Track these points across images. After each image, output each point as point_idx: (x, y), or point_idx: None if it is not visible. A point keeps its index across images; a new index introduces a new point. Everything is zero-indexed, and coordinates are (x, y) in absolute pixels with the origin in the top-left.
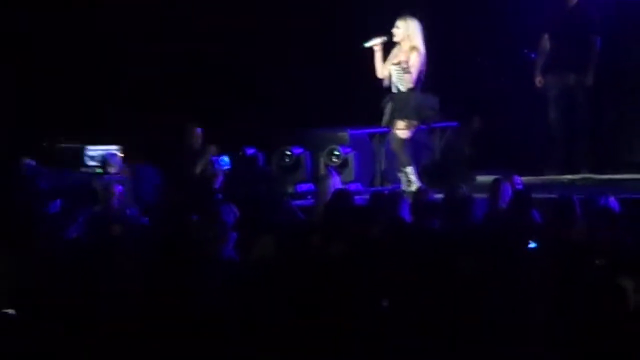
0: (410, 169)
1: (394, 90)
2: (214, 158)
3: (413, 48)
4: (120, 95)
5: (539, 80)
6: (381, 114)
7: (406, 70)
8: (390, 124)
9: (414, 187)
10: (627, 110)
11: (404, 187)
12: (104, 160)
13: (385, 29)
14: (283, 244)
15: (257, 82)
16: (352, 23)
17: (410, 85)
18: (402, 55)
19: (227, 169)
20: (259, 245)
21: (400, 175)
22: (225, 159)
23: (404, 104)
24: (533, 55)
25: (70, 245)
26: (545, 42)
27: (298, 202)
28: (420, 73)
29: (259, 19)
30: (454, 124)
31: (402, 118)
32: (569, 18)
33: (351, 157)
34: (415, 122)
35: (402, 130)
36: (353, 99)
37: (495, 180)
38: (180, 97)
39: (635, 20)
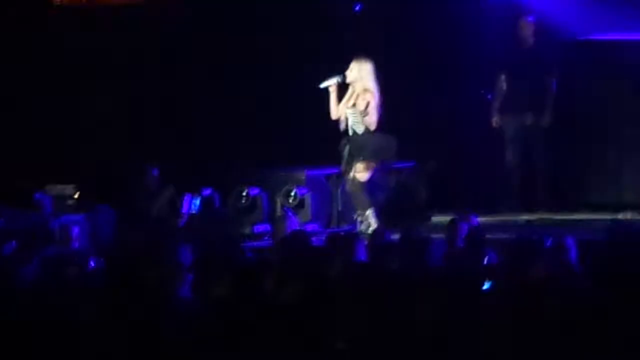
0: (370, 212)
1: (350, 132)
2: (187, 199)
3: (366, 90)
4: (76, 135)
5: (495, 120)
6: (339, 156)
7: (363, 114)
8: (348, 167)
9: (372, 229)
10: (584, 150)
11: (362, 229)
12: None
13: (340, 71)
14: (238, 284)
15: (213, 121)
16: (308, 63)
17: (371, 128)
18: (355, 98)
19: (196, 212)
20: (214, 285)
21: (358, 218)
22: (197, 201)
23: (362, 147)
24: (489, 96)
25: (26, 286)
26: (502, 83)
27: (255, 243)
28: (376, 115)
29: (214, 57)
30: (410, 164)
31: (360, 160)
32: (525, 59)
33: (308, 197)
34: (373, 164)
35: (360, 173)
36: (309, 139)
37: (452, 220)
38: (136, 136)
39: (591, 61)
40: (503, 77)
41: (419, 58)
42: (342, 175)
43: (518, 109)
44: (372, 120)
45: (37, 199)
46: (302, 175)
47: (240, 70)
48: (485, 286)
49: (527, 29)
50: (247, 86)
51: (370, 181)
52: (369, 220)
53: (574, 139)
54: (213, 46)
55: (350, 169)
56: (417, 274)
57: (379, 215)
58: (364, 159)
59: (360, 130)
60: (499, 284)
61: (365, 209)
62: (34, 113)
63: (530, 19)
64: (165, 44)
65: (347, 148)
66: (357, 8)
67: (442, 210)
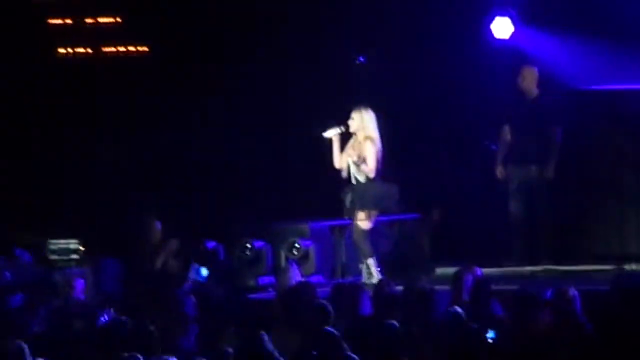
0: (371, 261)
1: (352, 181)
2: (194, 268)
3: (367, 138)
4: (80, 189)
5: (499, 171)
6: (341, 205)
7: (361, 163)
8: (351, 215)
9: (374, 279)
10: (586, 200)
11: (365, 278)
12: None
13: (342, 120)
14: (245, 337)
15: (217, 174)
16: (310, 114)
17: (371, 175)
18: (357, 147)
19: (203, 281)
20: (220, 337)
21: (362, 267)
22: (204, 271)
23: (363, 195)
24: (493, 147)
25: (32, 339)
26: (506, 134)
27: (259, 295)
28: (377, 163)
29: (218, 109)
30: (414, 215)
31: (362, 209)
32: (529, 110)
33: (312, 249)
34: (375, 212)
35: (362, 220)
36: (313, 191)
37: (458, 272)
38: (140, 189)
39: (593, 110)
40: (507, 128)
41: (423, 108)
42: (348, 224)
43: (522, 160)
44: (370, 168)
45: (17, 255)
46: (306, 227)
47: (244, 123)
48: (490, 336)
49: (530, 78)
50: (250, 139)
51: (372, 230)
52: (371, 270)
53: (577, 189)
54: (217, 99)
55: (353, 216)
56: (421, 327)
57: (381, 265)
58: (366, 208)
59: (362, 178)
60: (504, 335)
61: (367, 258)
62: (37, 166)
63: (532, 69)
64: (169, 96)
65: (349, 196)
66: (360, 59)
67: (446, 262)
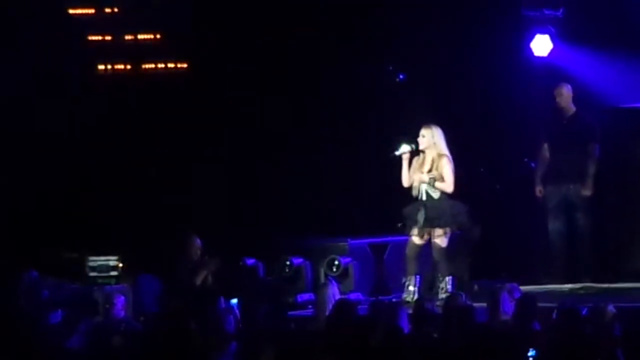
0: (449, 279)
1: (424, 197)
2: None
3: (442, 155)
4: (121, 205)
5: (539, 190)
6: (401, 220)
7: (440, 180)
8: (424, 232)
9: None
10: (627, 218)
11: (406, 296)
12: None
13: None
14: (285, 354)
15: (258, 191)
16: (352, 132)
17: (449, 191)
18: (431, 163)
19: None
20: (260, 355)
21: (440, 284)
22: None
23: (441, 212)
24: (533, 165)
25: (71, 356)
26: (545, 152)
27: (298, 312)
28: (453, 178)
29: (261, 126)
30: (456, 232)
31: (439, 226)
32: (567, 128)
33: (351, 267)
34: (451, 230)
35: (440, 237)
36: (353, 208)
37: (495, 290)
38: (179, 206)
39: (632, 128)
40: (546, 146)
41: (463, 125)
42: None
43: (561, 178)
44: (449, 184)
45: (83, 269)
46: (345, 244)
47: (285, 140)
48: (531, 354)
49: (565, 96)
50: (290, 156)
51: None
52: (448, 286)
53: (616, 206)
54: (255, 115)
55: (426, 233)
56: (460, 343)
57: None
58: (443, 224)
59: (436, 195)
60: (545, 352)
61: (445, 276)
62: (76, 182)
63: (567, 87)
64: (208, 113)
65: (422, 213)
66: (401, 77)
67: (486, 279)
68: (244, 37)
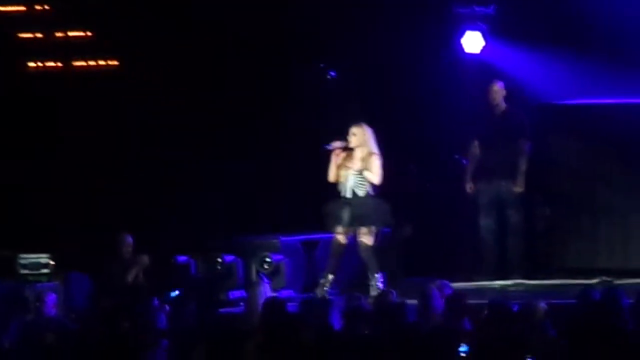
0: (379, 275)
1: (348, 194)
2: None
3: (371, 154)
4: (51, 204)
5: (469, 186)
6: (324, 217)
7: (369, 177)
8: (348, 230)
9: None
10: (558, 215)
11: (371, 292)
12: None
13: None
14: (216, 352)
15: (188, 190)
16: (282, 128)
17: (375, 181)
18: (361, 161)
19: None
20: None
21: (371, 281)
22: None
23: (366, 211)
24: (464, 162)
25: (3, 354)
26: (475, 149)
27: (230, 309)
28: (381, 176)
29: (194, 124)
30: (385, 230)
31: (365, 224)
32: (499, 124)
33: (283, 264)
34: (377, 228)
35: (366, 235)
36: (284, 206)
37: (425, 287)
38: (110, 204)
39: (564, 126)
40: (476, 143)
41: (393, 123)
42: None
43: (492, 175)
44: (376, 174)
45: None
46: (277, 241)
47: (217, 137)
48: (463, 350)
49: (497, 94)
50: (220, 153)
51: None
52: (378, 283)
53: (548, 203)
54: (185, 113)
55: (351, 231)
56: (391, 339)
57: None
58: (369, 223)
59: (361, 193)
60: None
61: (374, 272)
62: (5, 181)
63: (500, 84)
64: (144, 109)
65: (347, 211)
66: (332, 74)
67: (417, 276)
68: (175, 35)
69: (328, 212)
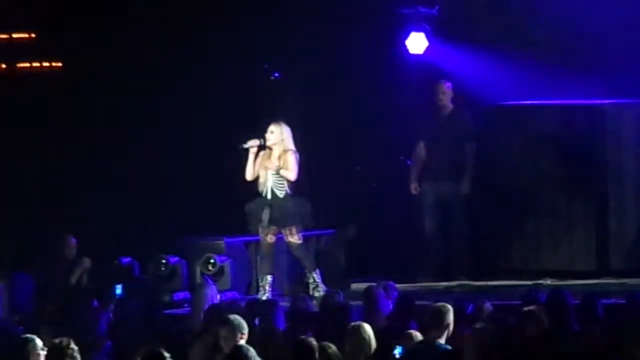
0: (316, 274)
1: (269, 195)
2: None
3: (287, 151)
4: None
5: (414, 187)
6: (249, 215)
7: (285, 174)
8: (268, 231)
9: (321, 290)
10: (504, 217)
11: (311, 291)
12: None
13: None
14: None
15: (132, 191)
16: (225, 128)
17: (291, 177)
18: (278, 159)
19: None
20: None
21: (309, 279)
22: (119, 288)
23: (286, 212)
24: (409, 162)
25: None
26: (421, 150)
27: (174, 310)
28: (298, 176)
29: (132, 124)
30: (330, 231)
31: (286, 226)
32: (445, 126)
33: (227, 265)
34: (300, 228)
35: (294, 236)
36: (228, 206)
37: (369, 288)
38: (55, 204)
39: (509, 127)
40: (422, 144)
41: (338, 123)
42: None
43: (437, 176)
44: (292, 170)
45: None
46: (221, 243)
47: (156, 139)
48: (398, 352)
49: (445, 95)
50: (164, 154)
51: (277, 246)
52: (317, 281)
53: (493, 205)
54: (130, 112)
55: (271, 233)
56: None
57: (293, 282)
58: (290, 224)
59: (281, 193)
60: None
61: (311, 271)
62: None
63: (447, 85)
64: (79, 108)
65: (267, 212)
66: (275, 75)
67: (361, 278)
68: (118, 36)
69: (248, 212)
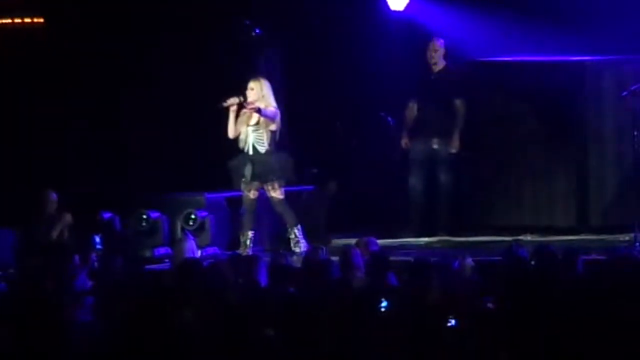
0: (297, 230)
1: (250, 151)
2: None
3: (268, 106)
4: None
5: (405, 142)
6: (231, 171)
7: (267, 125)
8: (250, 187)
9: (302, 246)
10: (485, 173)
11: (292, 247)
12: None
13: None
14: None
15: (112, 145)
16: (206, 84)
17: (272, 128)
18: (256, 117)
19: (99, 249)
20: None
21: (291, 236)
22: (97, 239)
23: (268, 167)
24: (390, 119)
25: None
26: (412, 109)
27: (155, 266)
28: (277, 130)
29: (112, 81)
30: (311, 187)
31: (268, 181)
32: (435, 83)
33: (208, 220)
34: (282, 183)
35: (276, 191)
36: (209, 162)
37: (345, 247)
38: (36, 160)
39: (491, 83)
40: (413, 103)
41: (320, 80)
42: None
43: (427, 133)
44: (272, 106)
45: None
46: (202, 198)
47: (138, 95)
48: (383, 305)
49: (437, 52)
50: (145, 110)
51: (259, 202)
52: (298, 237)
53: (475, 161)
54: (110, 70)
55: (255, 187)
56: (316, 297)
57: (276, 238)
58: (272, 180)
59: (262, 149)
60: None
61: (293, 227)
62: None
63: (440, 42)
64: (62, 65)
65: (249, 167)
66: (257, 31)
67: (343, 233)
68: None
69: (231, 169)
